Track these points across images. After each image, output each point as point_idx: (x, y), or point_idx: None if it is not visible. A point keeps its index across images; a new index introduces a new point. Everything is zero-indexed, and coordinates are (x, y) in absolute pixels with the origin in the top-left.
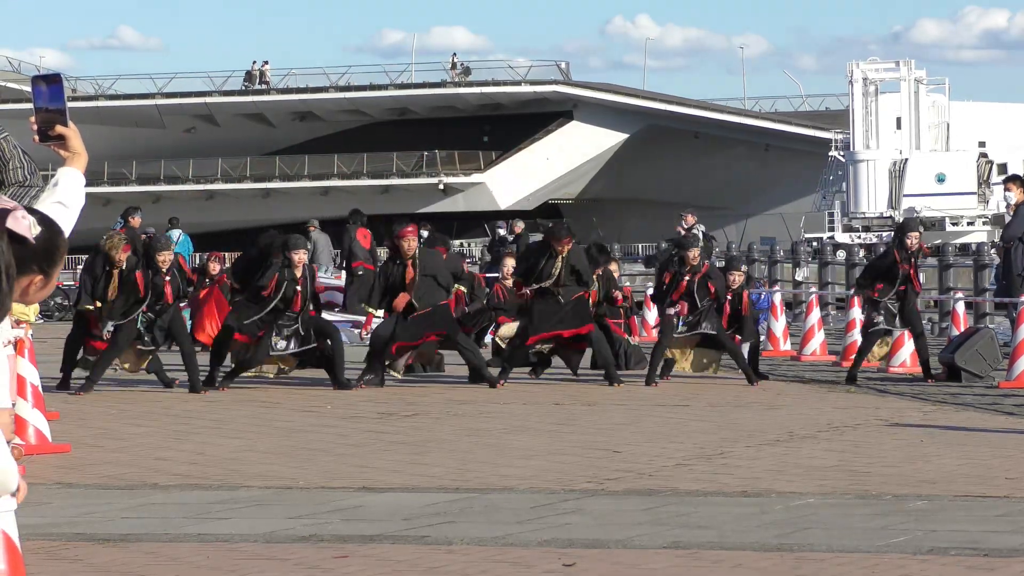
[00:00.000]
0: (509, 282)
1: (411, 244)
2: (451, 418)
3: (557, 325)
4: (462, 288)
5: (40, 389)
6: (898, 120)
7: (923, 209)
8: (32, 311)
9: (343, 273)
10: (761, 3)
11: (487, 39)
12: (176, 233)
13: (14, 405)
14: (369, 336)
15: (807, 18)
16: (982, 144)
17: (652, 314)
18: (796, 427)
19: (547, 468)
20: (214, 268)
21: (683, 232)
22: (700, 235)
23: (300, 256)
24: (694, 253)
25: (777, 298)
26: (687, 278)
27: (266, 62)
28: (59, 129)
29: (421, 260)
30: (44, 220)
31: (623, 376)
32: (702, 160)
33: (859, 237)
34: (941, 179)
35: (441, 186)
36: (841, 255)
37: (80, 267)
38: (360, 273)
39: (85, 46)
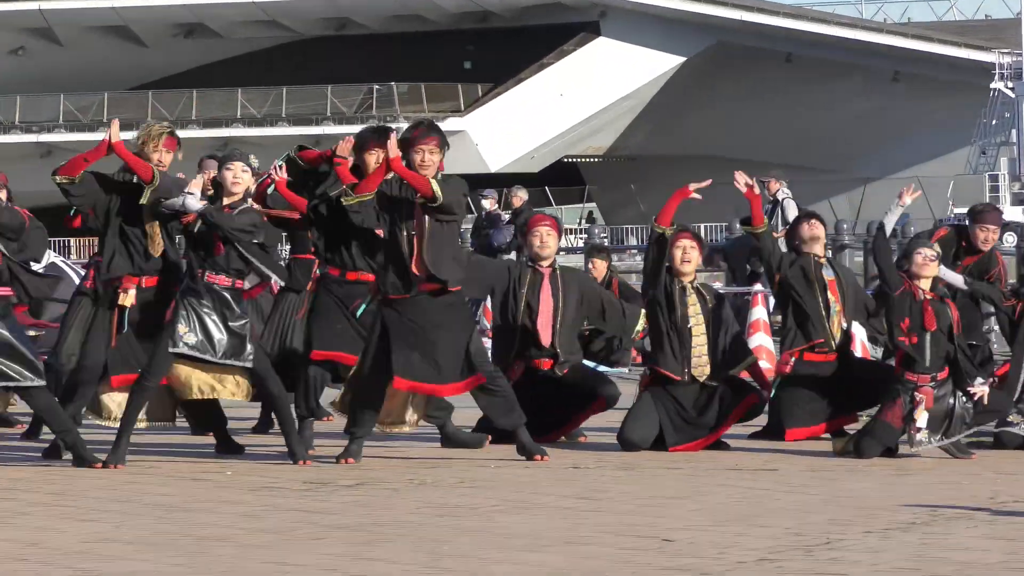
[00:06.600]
0: None
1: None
2: (415, 489)
3: None
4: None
5: None
6: None
7: None
8: None
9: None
10: None
11: None
12: None
13: None
14: None
15: None
16: None
17: None
18: (938, 500)
19: (562, 567)
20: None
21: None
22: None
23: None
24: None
25: None
26: None
27: None
28: None
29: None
30: None
31: None
32: (796, 98)
33: None
34: None
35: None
36: (1010, 239)
37: None
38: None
39: None
